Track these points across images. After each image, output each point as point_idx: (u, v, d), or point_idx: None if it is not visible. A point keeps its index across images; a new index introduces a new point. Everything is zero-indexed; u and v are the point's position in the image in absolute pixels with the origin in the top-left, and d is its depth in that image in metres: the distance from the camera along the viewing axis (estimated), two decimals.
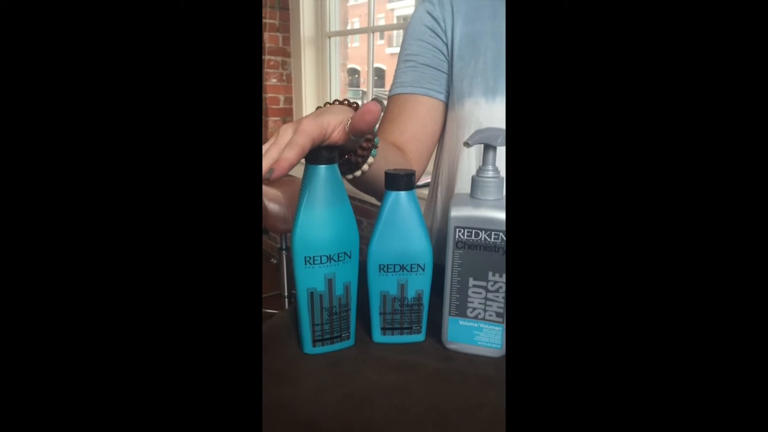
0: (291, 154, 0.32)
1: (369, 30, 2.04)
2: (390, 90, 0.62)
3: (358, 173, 0.44)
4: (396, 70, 0.61)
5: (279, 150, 0.33)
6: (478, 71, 0.55)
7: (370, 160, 0.43)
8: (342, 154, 0.43)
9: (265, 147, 0.34)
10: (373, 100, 0.37)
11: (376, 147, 0.44)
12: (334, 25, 2.15)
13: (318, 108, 0.40)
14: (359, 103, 0.42)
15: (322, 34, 2.16)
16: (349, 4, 2.92)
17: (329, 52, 2.18)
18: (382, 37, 2.82)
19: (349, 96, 2.69)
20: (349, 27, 2.41)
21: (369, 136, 0.43)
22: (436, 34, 0.58)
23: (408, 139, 0.59)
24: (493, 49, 0.54)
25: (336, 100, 0.43)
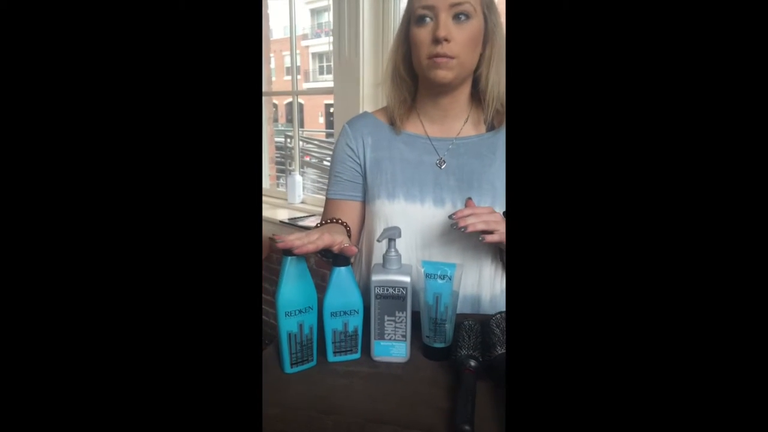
0: (312, 247, 0.58)
1: (294, 93, 2.30)
2: (326, 193, 0.90)
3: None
4: (328, 181, 0.90)
5: (307, 239, 0.59)
6: (382, 182, 0.84)
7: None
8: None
9: (295, 235, 0.59)
10: (353, 247, 0.64)
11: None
12: (265, 85, 2.37)
13: (324, 224, 0.74)
14: (342, 220, 0.76)
15: None
16: (271, 38, 3.13)
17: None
18: (299, 73, 3.02)
19: (274, 130, 2.88)
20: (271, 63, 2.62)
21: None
22: (353, 159, 0.87)
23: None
24: (390, 168, 0.84)
25: (334, 219, 0.76)
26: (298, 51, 2.32)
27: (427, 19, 0.73)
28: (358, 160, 0.87)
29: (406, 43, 0.79)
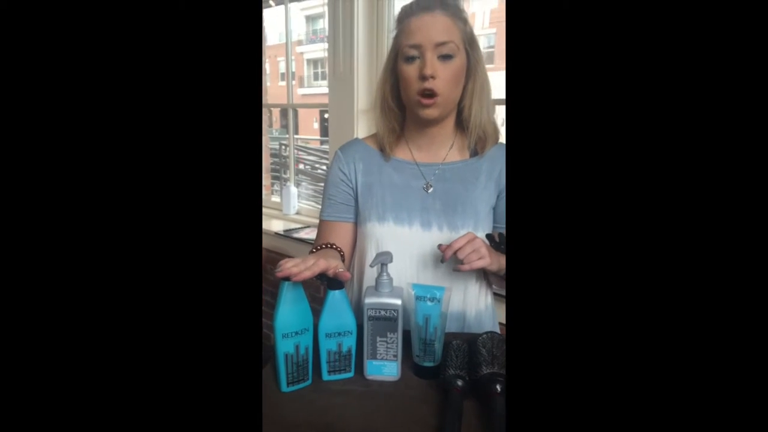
0: (308, 273, 0.62)
1: (290, 106, 2.33)
2: (320, 214, 0.94)
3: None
4: (322, 203, 0.94)
5: (304, 266, 0.62)
6: (373, 205, 0.88)
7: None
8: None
9: (292, 262, 0.63)
10: (347, 272, 0.67)
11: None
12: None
13: (320, 249, 0.78)
14: (336, 246, 0.81)
15: None
16: (266, 45, 3.16)
17: None
18: (294, 79, 3.07)
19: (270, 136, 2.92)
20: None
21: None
22: (346, 183, 0.91)
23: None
24: (380, 192, 0.88)
25: (328, 244, 0.80)
26: (292, 57, 2.35)
27: (415, 58, 0.78)
28: (350, 184, 0.91)
29: (393, 76, 0.84)
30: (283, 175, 2.62)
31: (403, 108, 0.88)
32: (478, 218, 0.84)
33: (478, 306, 0.88)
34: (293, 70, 2.43)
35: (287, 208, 2.31)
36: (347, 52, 1.74)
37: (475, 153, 0.89)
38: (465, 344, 0.72)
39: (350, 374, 0.70)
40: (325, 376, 0.69)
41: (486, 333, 0.73)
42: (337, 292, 0.68)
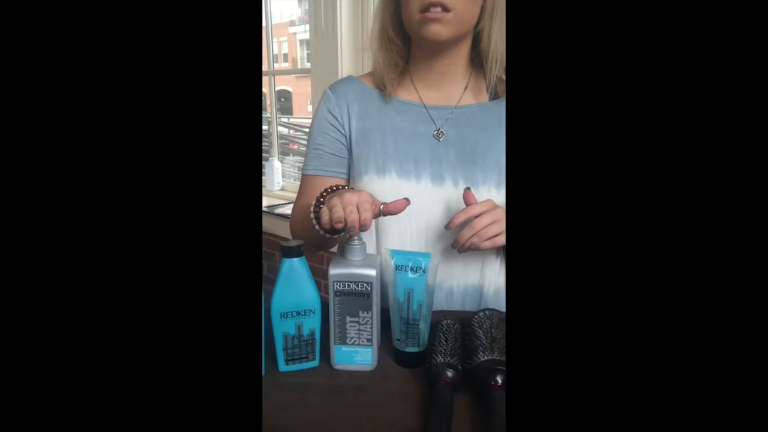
0: (369, 216, 0.53)
1: (270, 73, 2.17)
2: (304, 169, 0.77)
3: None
4: (307, 154, 0.77)
5: (353, 213, 0.53)
6: (371, 156, 0.72)
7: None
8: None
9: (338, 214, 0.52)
10: (404, 198, 0.57)
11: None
12: None
13: (336, 189, 0.63)
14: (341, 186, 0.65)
15: None
16: None
17: None
18: (286, 60, 2.91)
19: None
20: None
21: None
22: (336, 129, 0.75)
23: None
24: (380, 140, 0.72)
25: (333, 187, 0.64)
26: (284, 38, 2.22)
27: None
28: (342, 131, 0.75)
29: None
30: (264, 147, 2.47)
31: (406, 40, 0.72)
32: (501, 171, 0.69)
33: (497, 282, 0.73)
34: (285, 51, 2.29)
35: (270, 184, 2.16)
36: (329, 8, 1.58)
37: (495, 95, 0.73)
38: (457, 324, 0.58)
39: (314, 363, 0.57)
40: (282, 367, 0.56)
41: (483, 310, 0.59)
42: (295, 260, 0.53)
